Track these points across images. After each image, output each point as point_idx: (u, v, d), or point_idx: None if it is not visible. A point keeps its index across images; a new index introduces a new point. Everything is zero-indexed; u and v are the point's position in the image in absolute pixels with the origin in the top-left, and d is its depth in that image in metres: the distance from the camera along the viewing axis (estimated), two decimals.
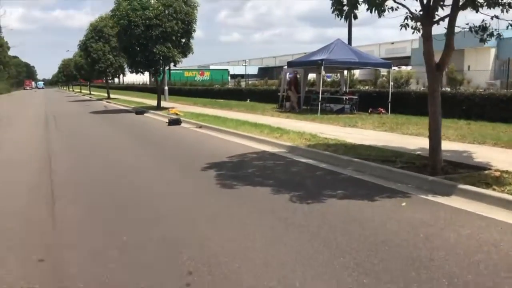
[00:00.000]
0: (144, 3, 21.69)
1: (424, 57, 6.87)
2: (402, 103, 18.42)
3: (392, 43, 69.89)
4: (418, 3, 6.86)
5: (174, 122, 15.88)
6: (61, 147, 11.45)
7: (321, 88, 17.67)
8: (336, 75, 23.08)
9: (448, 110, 15.87)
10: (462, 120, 14.04)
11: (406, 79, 20.53)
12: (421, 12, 6.83)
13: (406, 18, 7.75)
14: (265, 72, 77.33)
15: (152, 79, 73.45)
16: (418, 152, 8.54)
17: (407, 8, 7.05)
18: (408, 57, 48.62)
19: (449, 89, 18.54)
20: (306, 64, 18.90)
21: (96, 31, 38.73)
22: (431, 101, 6.88)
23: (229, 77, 66.72)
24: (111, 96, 43.95)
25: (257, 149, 10.13)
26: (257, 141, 11.25)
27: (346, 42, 20.46)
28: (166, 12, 21.49)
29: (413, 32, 7.90)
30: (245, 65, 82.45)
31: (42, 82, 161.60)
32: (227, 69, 74.59)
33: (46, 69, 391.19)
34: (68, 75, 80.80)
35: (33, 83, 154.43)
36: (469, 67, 58.64)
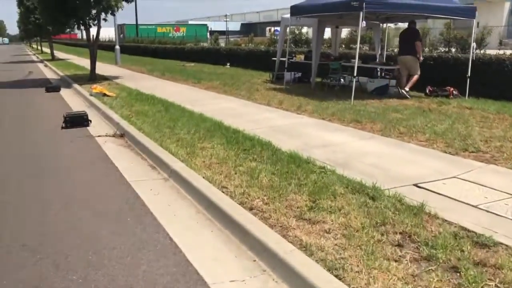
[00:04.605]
0: None
1: None
2: (481, 79, 10.76)
3: None
4: None
5: (74, 122, 7.92)
6: None
7: (358, 51, 9.69)
8: (369, 29, 15.02)
9: None
10: None
11: (480, 37, 12.72)
12: None
13: None
14: (248, 28, 68.46)
15: (121, 36, 64.63)
16: None
17: None
18: None
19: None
20: (325, 9, 10.86)
21: None
22: None
23: (208, 34, 57.70)
24: (60, 56, 35.53)
25: None
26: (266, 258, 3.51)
27: None
28: None
29: None
30: (226, 21, 73.44)
31: (7, 39, 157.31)
32: (205, 25, 65.27)
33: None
34: (26, 30, 71.68)
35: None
36: (478, 24, 51.10)
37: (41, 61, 33.06)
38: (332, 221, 3.54)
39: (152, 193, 4.53)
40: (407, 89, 10.51)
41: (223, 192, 4.24)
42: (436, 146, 5.82)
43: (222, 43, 33.19)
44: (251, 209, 3.86)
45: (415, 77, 10.60)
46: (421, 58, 10.59)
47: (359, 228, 3.39)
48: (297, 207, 3.83)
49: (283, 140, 6.23)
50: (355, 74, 9.73)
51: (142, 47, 37.99)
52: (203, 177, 4.63)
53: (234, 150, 5.64)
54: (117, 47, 24.42)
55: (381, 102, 9.83)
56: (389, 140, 6.23)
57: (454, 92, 10.80)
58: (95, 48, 16.25)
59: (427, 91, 11.15)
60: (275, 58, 14.78)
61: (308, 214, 3.68)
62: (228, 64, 21.28)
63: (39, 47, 65.70)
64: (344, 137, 6.40)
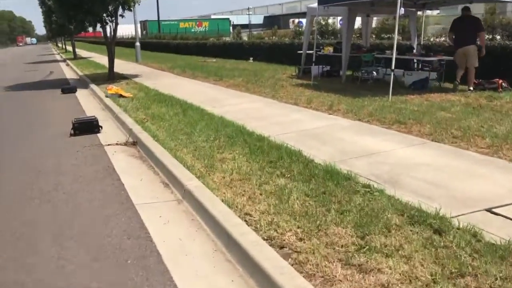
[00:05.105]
0: None
1: None
2: None
3: None
4: None
5: (84, 128, 7.23)
6: None
7: (395, 41, 8.62)
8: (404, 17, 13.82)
9: None
10: None
11: None
12: None
13: None
14: (271, 21, 67.31)
15: (144, 32, 64.52)
16: None
17: None
18: None
19: None
20: None
21: None
22: None
23: (231, 28, 56.93)
24: (83, 55, 35.68)
25: None
26: None
27: None
28: None
29: None
30: (249, 14, 72.52)
31: (35, 39, 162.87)
32: (227, 19, 64.45)
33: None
34: (51, 30, 72.73)
35: (28, 39, 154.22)
36: None
37: (64, 60, 33.01)
38: (390, 268, 2.67)
39: (161, 221, 3.74)
40: (471, 88, 9.52)
41: (246, 221, 3.42)
42: (502, 154, 4.83)
43: (244, 37, 32.32)
44: (281, 247, 3.02)
45: (473, 72, 9.54)
46: (484, 51, 9.45)
47: (429, 282, 2.52)
48: (341, 246, 2.97)
49: (315, 148, 5.36)
50: (392, 67, 8.72)
51: (164, 43, 37.58)
52: (222, 200, 3.82)
53: (258, 163, 4.81)
54: (137, 44, 23.87)
55: (422, 97, 8.82)
56: (442, 146, 5.26)
57: (503, 84, 9.66)
58: (112, 46, 15.61)
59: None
60: (301, 51, 13.84)
61: (357, 257, 2.81)
62: (251, 58, 20.44)
63: (64, 46, 66.58)
64: (387, 144, 5.47)
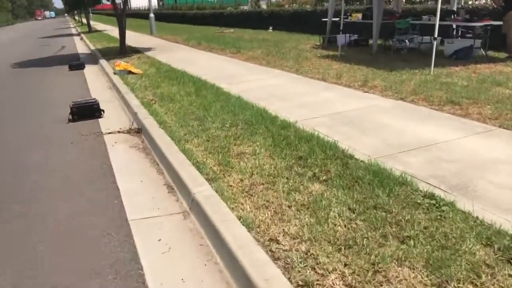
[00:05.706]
0: None
1: None
2: None
3: None
4: None
5: (83, 113, 6.36)
6: None
7: (439, 5, 7.32)
8: None
9: None
10: None
11: None
12: None
13: None
14: None
15: (161, 3, 63.18)
16: None
17: None
18: None
19: None
20: None
21: None
22: None
23: None
24: (98, 28, 34.93)
25: None
26: None
27: None
28: None
29: None
30: None
31: (53, 12, 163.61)
32: None
33: None
34: (67, 2, 71.90)
35: (46, 13, 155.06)
36: None
37: (78, 34, 32.23)
38: None
39: (160, 249, 2.86)
40: None
41: (272, 252, 2.52)
42: None
43: (263, 5, 30.84)
44: None
45: None
46: None
47: None
48: None
49: (354, 138, 4.38)
50: (435, 34, 7.52)
51: (181, 14, 36.50)
52: (240, 218, 2.91)
53: (284, 159, 3.87)
54: (152, 15, 22.77)
55: (468, 69, 7.69)
56: None
57: None
58: (123, 18, 14.58)
59: None
60: (325, 19, 12.64)
61: None
62: (271, 28, 19.26)
63: (80, 20, 65.75)
64: (444, 131, 4.44)
